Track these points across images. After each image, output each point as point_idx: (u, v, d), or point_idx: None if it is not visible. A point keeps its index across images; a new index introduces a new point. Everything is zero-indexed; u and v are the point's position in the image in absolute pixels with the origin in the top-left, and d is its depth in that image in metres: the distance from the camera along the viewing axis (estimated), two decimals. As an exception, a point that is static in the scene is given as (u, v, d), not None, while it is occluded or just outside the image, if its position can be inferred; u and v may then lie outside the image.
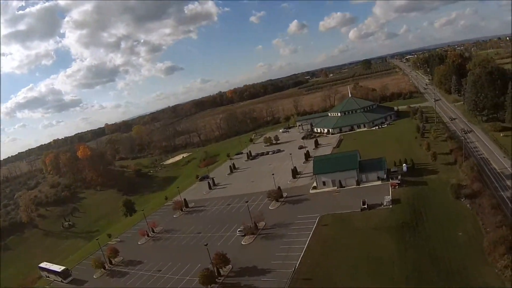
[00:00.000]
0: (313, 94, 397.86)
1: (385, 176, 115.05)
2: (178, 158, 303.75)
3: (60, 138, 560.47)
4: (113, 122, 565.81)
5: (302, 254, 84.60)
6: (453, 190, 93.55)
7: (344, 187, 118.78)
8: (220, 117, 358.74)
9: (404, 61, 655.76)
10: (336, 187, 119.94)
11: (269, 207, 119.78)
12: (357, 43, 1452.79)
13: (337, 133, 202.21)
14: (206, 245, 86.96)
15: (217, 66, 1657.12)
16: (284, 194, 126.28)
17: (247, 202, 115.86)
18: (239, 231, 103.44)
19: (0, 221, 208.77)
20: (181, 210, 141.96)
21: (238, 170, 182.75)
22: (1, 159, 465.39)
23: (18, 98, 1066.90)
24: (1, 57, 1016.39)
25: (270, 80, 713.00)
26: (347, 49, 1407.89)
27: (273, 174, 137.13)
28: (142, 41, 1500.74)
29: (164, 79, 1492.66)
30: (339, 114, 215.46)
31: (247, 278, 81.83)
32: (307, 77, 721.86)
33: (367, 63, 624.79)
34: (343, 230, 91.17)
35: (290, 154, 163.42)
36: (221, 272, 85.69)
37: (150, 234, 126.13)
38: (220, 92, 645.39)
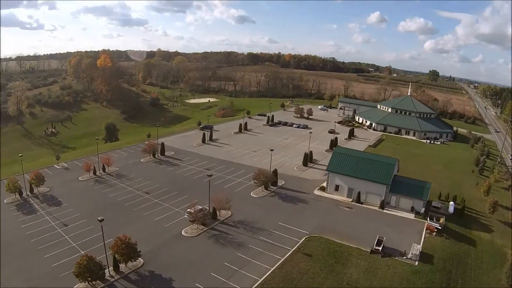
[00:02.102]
0: (369, 85, 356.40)
1: (423, 210, 78.60)
2: (203, 100, 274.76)
3: (111, 49, 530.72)
4: (166, 50, 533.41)
5: (248, 293, 51.38)
6: (510, 274, 56.65)
7: (362, 203, 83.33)
8: (263, 74, 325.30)
9: (472, 87, 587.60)
10: (350, 199, 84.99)
11: (251, 193, 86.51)
12: (429, 55, 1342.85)
13: (380, 130, 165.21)
14: (100, 220, 51.62)
15: (288, 31, 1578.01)
16: (281, 183, 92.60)
17: (210, 176, 77.17)
18: (187, 213, 70.65)
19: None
20: (153, 156, 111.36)
21: (248, 132, 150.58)
22: (50, 53, 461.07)
23: (86, 2, 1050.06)
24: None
25: (333, 58, 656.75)
26: (418, 58, 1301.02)
27: (272, 150, 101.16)
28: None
29: (233, 26, 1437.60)
30: (390, 109, 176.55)
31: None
32: (371, 70, 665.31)
33: (435, 74, 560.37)
34: (330, 275, 56.42)
35: (310, 133, 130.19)
36: (120, 267, 54.16)
37: (97, 172, 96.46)
38: (280, 53, 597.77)
